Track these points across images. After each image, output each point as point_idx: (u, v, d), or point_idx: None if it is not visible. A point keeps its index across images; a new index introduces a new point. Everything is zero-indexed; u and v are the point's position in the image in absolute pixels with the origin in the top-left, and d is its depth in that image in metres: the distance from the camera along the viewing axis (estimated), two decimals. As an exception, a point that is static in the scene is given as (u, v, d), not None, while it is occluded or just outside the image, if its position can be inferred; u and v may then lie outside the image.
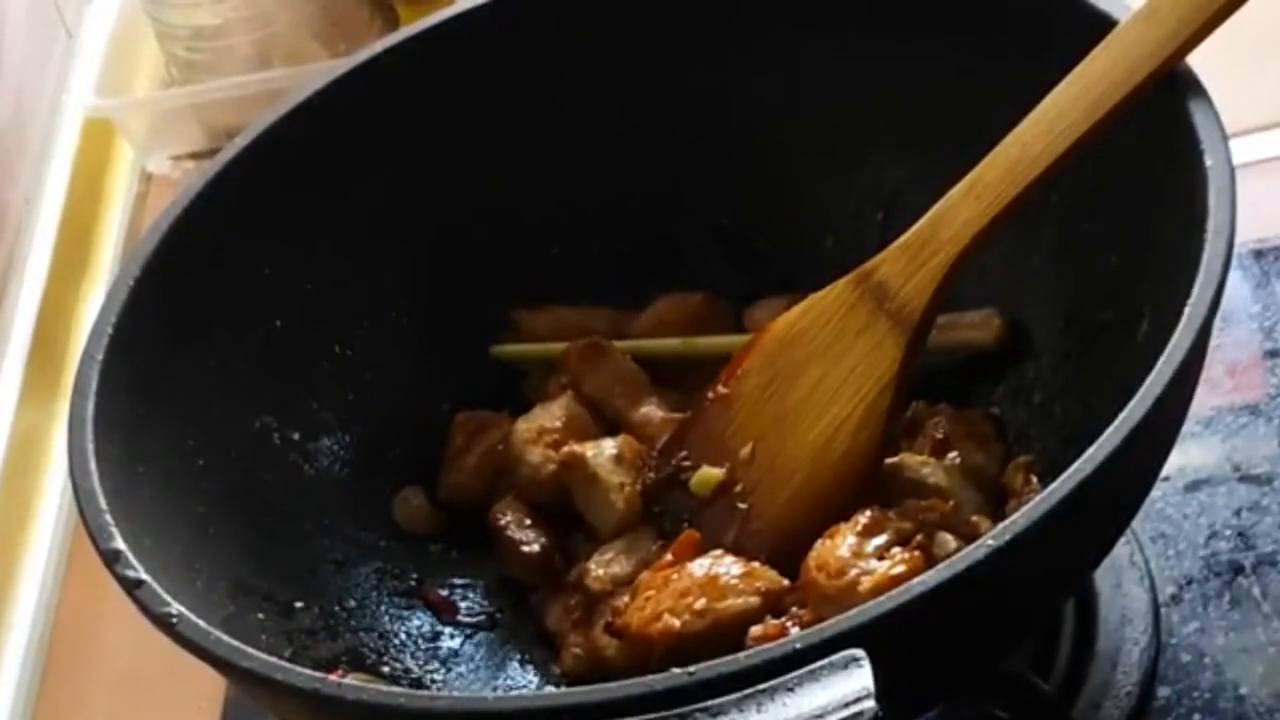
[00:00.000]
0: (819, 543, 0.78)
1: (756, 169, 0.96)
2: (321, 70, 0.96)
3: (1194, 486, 0.95)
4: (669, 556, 0.82)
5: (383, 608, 0.89)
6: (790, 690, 0.62)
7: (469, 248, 0.96)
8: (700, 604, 0.78)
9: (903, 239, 0.82)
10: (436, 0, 1.03)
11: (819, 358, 0.84)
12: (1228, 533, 0.92)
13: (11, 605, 1.08)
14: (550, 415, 0.92)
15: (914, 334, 0.82)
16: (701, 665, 0.64)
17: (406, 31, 0.95)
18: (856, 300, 0.83)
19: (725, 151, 0.96)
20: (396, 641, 0.88)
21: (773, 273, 0.96)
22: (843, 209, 0.94)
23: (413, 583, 0.91)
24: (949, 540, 0.78)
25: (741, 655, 0.65)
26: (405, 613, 0.90)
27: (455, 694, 0.85)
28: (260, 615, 0.83)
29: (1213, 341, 0.76)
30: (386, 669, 0.86)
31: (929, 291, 0.81)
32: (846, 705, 0.61)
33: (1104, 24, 0.79)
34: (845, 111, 0.93)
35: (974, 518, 0.81)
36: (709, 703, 0.62)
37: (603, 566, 0.86)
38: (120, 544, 0.75)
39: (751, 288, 0.96)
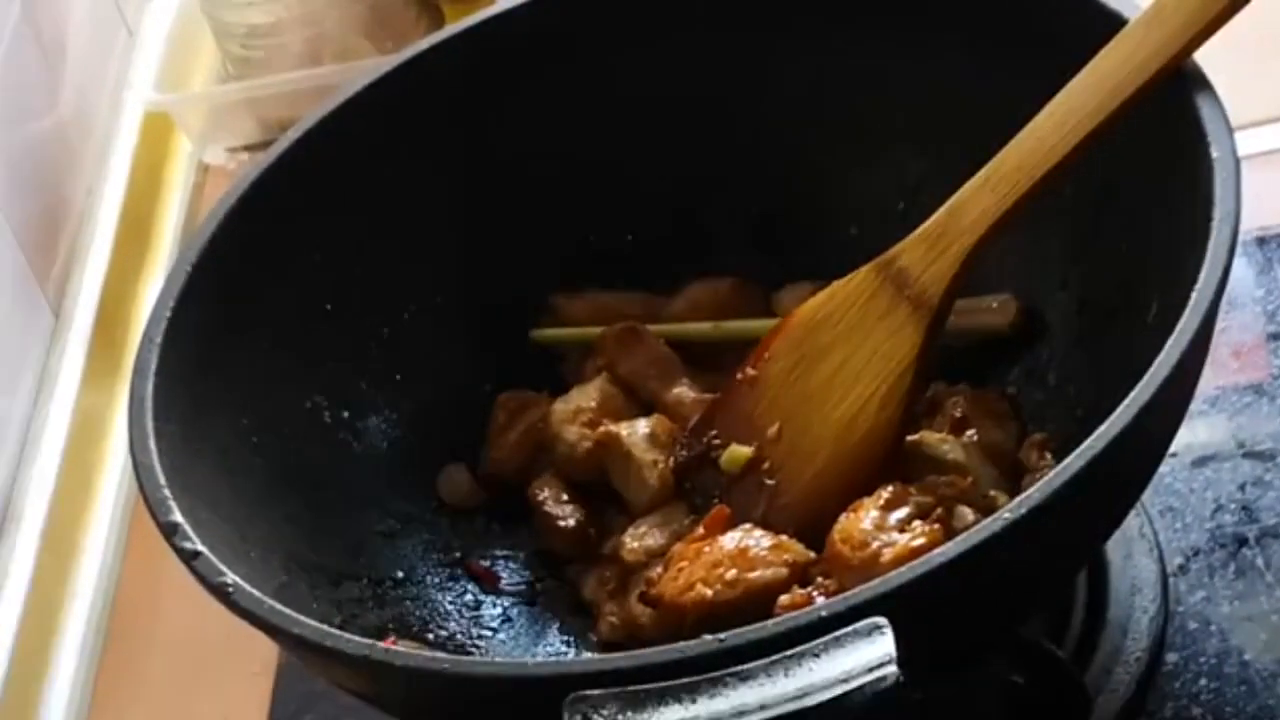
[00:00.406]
0: (843, 516, 0.79)
1: (786, 162, 0.96)
2: (369, 67, 0.97)
3: (1201, 462, 0.95)
4: (700, 530, 0.83)
5: (428, 578, 0.91)
6: (816, 656, 0.63)
7: (510, 237, 0.97)
8: (731, 574, 0.79)
9: (922, 228, 0.83)
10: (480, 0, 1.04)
11: (843, 341, 0.85)
12: (1232, 506, 0.93)
13: (76, 574, 1.08)
14: (586, 396, 0.92)
15: (933, 319, 0.82)
16: (732, 632, 0.65)
17: (451, 29, 0.96)
18: (878, 287, 0.84)
19: (755, 145, 0.97)
20: (441, 610, 0.89)
21: (800, 260, 0.96)
22: (866, 199, 0.95)
23: (457, 554, 0.92)
24: (967, 513, 0.79)
25: (770, 623, 0.66)
26: (450, 583, 0.91)
27: (497, 660, 0.86)
28: (311, 585, 0.84)
29: (1218, 325, 0.77)
30: (431, 636, 0.88)
31: (947, 278, 0.82)
32: (869, 670, 0.62)
33: (1115, 23, 0.80)
34: (870, 107, 0.94)
35: (991, 492, 0.82)
36: (739, 668, 0.63)
37: (637, 539, 0.87)
38: (178, 517, 0.76)
39: (779, 274, 0.97)
